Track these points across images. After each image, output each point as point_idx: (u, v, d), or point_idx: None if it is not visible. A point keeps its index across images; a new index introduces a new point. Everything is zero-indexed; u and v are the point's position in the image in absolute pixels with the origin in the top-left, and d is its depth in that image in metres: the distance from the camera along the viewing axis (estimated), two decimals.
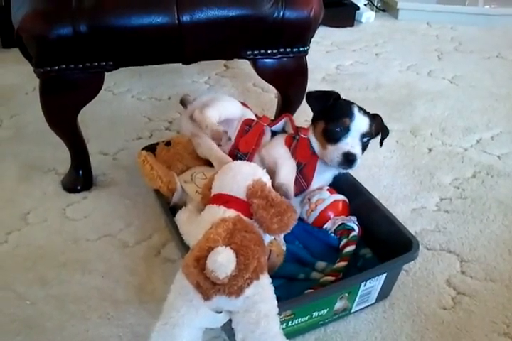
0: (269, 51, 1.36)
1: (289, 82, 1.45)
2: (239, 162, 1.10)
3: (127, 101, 1.93)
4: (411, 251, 1.05)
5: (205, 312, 0.90)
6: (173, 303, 0.90)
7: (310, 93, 1.28)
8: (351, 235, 1.16)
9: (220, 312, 0.91)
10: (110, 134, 1.71)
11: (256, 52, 1.35)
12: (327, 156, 1.20)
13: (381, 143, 1.28)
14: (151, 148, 1.36)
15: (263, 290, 0.92)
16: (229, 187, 1.02)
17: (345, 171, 1.25)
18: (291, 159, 1.21)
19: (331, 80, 2.08)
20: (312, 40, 2.37)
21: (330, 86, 2.03)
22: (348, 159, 1.16)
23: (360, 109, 1.22)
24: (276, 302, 0.92)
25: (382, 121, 1.26)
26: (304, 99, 1.49)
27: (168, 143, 1.36)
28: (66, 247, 1.24)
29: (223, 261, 0.85)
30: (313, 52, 2.22)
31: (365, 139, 1.20)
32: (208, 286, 0.87)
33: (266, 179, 1.05)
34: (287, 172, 1.16)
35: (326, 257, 1.16)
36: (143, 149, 1.34)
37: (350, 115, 1.18)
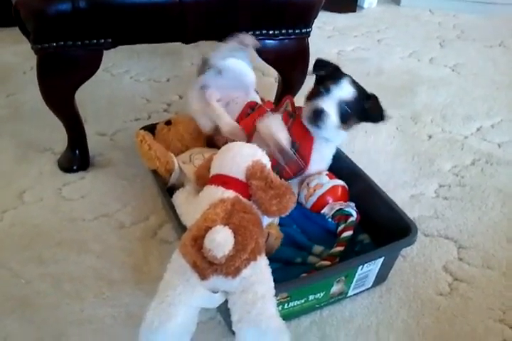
0: (270, 32, 1.34)
1: (291, 64, 1.43)
2: (239, 143, 1.08)
3: (126, 83, 1.91)
4: (409, 236, 1.04)
5: (201, 291, 0.89)
6: (170, 282, 0.90)
7: (318, 60, 1.27)
8: (349, 221, 1.15)
9: (217, 293, 0.90)
10: (108, 115, 1.69)
11: (258, 32, 1.33)
12: (302, 114, 1.21)
13: (372, 120, 1.26)
14: (150, 128, 1.35)
15: (260, 272, 0.91)
16: (228, 167, 1.01)
17: (336, 144, 1.28)
18: (285, 131, 1.19)
19: None
20: (314, 25, 2.35)
21: None
22: (317, 114, 1.16)
23: (354, 82, 1.21)
24: (273, 283, 0.91)
25: (377, 101, 1.24)
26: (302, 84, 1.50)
27: (168, 122, 1.34)
28: (62, 227, 1.23)
29: (221, 240, 0.84)
30: (315, 37, 2.19)
31: (344, 106, 1.17)
32: (204, 266, 0.86)
33: (265, 160, 1.03)
34: (283, 137, 1.15)
35: (323, 242, 1.15)
36: (141, 129, 1.32)
37: (336, 81, 1.18)
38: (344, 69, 2.00)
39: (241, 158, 1.01)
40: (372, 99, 1.23)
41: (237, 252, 0.86)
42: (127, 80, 1.92)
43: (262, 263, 0.92)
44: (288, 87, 1.49)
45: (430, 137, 1.64)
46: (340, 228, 1.16)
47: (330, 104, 1.17)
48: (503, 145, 1.61)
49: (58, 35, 1.19)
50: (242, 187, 0.99)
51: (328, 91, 1.17)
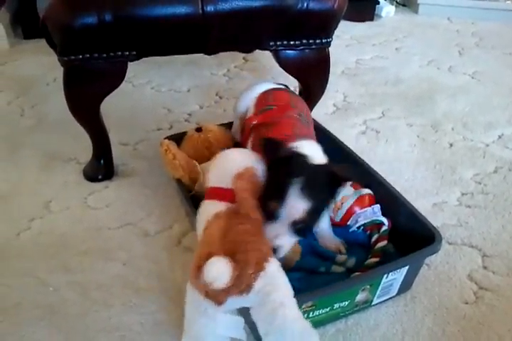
0: (291, 42, 1.35)
1: (311, 74, 1.44)
2: (229, 150, 1.08)
3: (147, 93, 1.94)
4: (434, 244, 1.04)
5: (223, 318, 0.88)
6: (191, 318, 0.90)
7: (268, 141, 1.03)
8: (382, 230, 1.15)
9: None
10: (130, 125, 1.71)
11: (279, 43, 1.34)
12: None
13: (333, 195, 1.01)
14: (174, 138, 1.36)
15: (273, 279, 0.89)
16: (219, 178, 0.99)
17: None
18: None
19: (350, 74, 2.07)
20: None
21: (350, 79, 2.02)
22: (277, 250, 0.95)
23: (309, 180, 0.94)
24: (289, 286, 0.89)
25: (334, 173, 0.98)
26: (323, 93, 1.50)
27: (198, 129, 1.36)
28: (88, 235, 1.24)
29: (217, 273, 0.82)
30: (333, 45, 2.21)
31: (301, 224, 0.96)
32: (215, 293, 0.84)
33: (257, 166, 1.00)
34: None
35: (350, 251, 1.15)
36: (166, 138, 1.34)
37: (280, 200, 0.93)
38: (362, 78, 2.03)
39: (230, 165, 0.99)
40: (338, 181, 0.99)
41: (241, 270, 0.84)
42: (148, 91, 1.95)
43: (273, 269, 0.89)
44: (308, 96, 1.50)
45: (451, 145, 1.63)
46: (374, 238, 1.17)
47: (283, 233, 0.95)
48: None
49: (84, 47, 1.22)
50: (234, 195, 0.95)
51: (275, 216, 0.94)
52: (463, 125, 1.74)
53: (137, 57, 1.28)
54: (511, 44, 2.36)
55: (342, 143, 1.38)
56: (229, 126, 1.45)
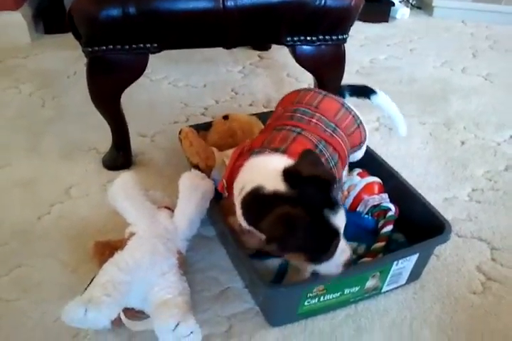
0: (308, 38, 1.38)
1: (327, 70, 1.47)
2: None
3: (164, 88, 1.98)
4: (443, 233, 1.07)
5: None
6: None
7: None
8: (388, 215, 1.18)
9: None
10: (148, 118, 1.75)
11: (296, 38, 1.37)
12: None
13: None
14: (200, 127, 1.41)
15: None
16: None
17: None
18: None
19: (365, 73, 2.10)
20: None
21: (364, 78, 2.05)
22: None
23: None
24: None
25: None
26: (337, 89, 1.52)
27: (226, 117, 1.39)
28: (107, 219, 1.28)
29: None
30: (347, 45, 2.23)
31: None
32: None
33: None
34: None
35: (358, 238, 1.17)
36: (191, 126, 1.37)
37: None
38: (377, 77, 2.06)
39: None
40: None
41: None
42: (166, 86, 1.99)
43: None
44: None
45: (463, 143, 1.66)
46: (380, 223, 1.20)
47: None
48: None
49: (108, 39, 1.26)
50: None
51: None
52: (475, 124, 1.76)
53: (159, 50, 1.32)
54: None
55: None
56: (259, 116, 1.46)
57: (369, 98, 1.35)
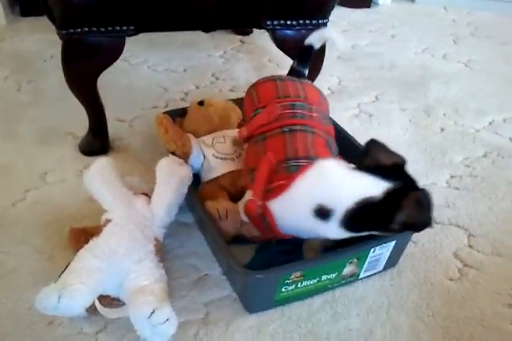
0: (288, 22, 1.36)
1: None
2: None
3: (143, 72, 1.94)
4: None
5: None
6: None
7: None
8: None
9: None
10: (127, 102, 1.72)
11: (276, 22, 1.36)
12: None
13: None
14: (175, 113, 1.38)
15: None
16: None
17: None
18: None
19: (346, 59, 2.09)
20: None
21: (345, 64, 2.04)
22: None
23: None
24: None
25: None
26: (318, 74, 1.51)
27: (201, 103, 1.36)
28: (84, 205, 1.26)
29: None
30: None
31: None
32: None
33: None
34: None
35: None
36: (165, 113, 1.34)
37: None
38: (358, 63, 2.05)
39: None
40: None
41: None
42: (145, 70, 1.96)
43: None
44: None
45: (442, 130, 1.66)
46: None
47: None
48: None
49: (83, 21, 1.23)
50: None
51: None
52: (454, 111, 1.76)
53: (135, 32, 1.29)
54: (506, 34, 2.38)
55: (337, 124, 1.39)
56: (237, 102, 1.42)
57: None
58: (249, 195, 1.01)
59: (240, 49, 2.14)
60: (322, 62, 1.50)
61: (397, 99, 1.81)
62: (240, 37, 2.21)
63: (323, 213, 0.91)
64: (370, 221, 0.91)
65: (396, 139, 1.60)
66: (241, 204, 1.07)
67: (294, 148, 1.01)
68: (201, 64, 2.02)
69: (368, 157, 0.95)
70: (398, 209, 0.87)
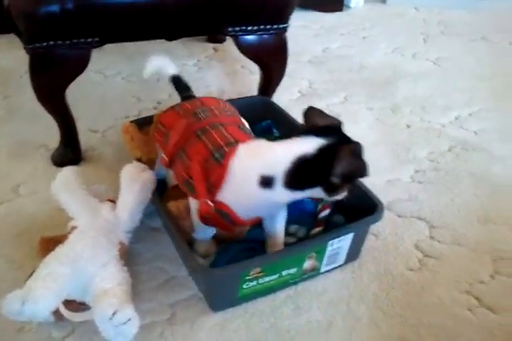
0: (249, 28, 1.41)
1: (270, 58, 1.50)
2: None
3: (117, 83, 1.98)
4: (375, 213, 1.10)
5: None
6: None
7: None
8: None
9: None
10: (100, 113, 1.77)
11: (237, 28, 1.40)
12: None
13: None
14: (141, 122, 1.42)
15: None
16: None
17: None
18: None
19: (317, 62, 2.13)
20: (300, 23, 2.43)
21: (316, 67, 2.08)
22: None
23: None
24: None
25: None
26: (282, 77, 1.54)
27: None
28: (55, 215, 1.28)
29: None
30: (301, 35, 2.27)
31: None
32: None
33: None
34: None
35: (300, 222, 1.21)
36: (132, 122, 1.38)
37: None
38: (328, 66, 2.09)
39: None
40: None
41: None
42: (119, 81, 2.00)
43: None
44: (268, 80, 1.56)
45: (409, 126, 1.70)
46: (319, 207, 1.23)
47: None
48: (479, 133, 1.67)
49: (48, 35, 1.26)
50: None
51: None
52: (421, 108, 1.80)
53: (100, 44, 1.33)
54: (476, 31, 2.42)
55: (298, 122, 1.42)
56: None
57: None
58: (194, 202, 1.04)
59: (213, 57, 2.19)
60: (285, 65, 1.53)
61: (365, 99, 1.85)
62: (213, 45, 2.25)
63: (267, 182, 0.95)
64: (309, 176, 0.95)
65: (363, 137, 1.57)
66: (193, 215, 1.09)
67: (213, 142, 1.04)
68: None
69: (305, 122, 1.00)
70: (334, 161, 0.89)
